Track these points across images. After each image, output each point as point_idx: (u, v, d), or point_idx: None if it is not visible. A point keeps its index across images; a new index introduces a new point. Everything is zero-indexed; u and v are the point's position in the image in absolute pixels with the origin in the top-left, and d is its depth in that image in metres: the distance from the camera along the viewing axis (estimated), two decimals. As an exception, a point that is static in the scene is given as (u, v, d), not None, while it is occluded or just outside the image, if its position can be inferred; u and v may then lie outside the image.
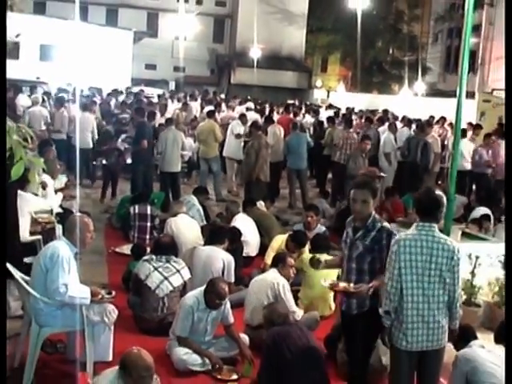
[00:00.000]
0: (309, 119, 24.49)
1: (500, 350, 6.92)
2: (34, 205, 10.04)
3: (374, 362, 7.54)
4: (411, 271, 6.07)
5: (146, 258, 9.10)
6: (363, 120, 23.23)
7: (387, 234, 6.51)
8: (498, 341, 7.48)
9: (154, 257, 9.02)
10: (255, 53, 50.71)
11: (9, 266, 8.17)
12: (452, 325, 6.26)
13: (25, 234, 9.69)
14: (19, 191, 9.74)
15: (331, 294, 9.61)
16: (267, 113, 22.27)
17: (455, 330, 6.34)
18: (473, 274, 9.62)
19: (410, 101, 39.04)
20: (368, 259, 6.51)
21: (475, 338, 7.19)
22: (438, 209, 6.33)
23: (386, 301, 6.13)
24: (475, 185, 18.32)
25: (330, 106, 32.78)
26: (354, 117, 25.94)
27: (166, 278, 8.74)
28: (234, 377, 7.57)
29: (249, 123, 19.39)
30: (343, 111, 29.77)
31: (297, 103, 33.58)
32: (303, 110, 28.02)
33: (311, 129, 23.02)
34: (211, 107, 22.85)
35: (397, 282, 6.06)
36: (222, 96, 34.81)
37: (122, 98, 27.49)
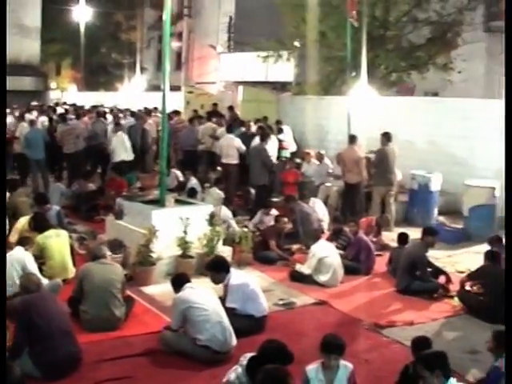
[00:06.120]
0: (44, 118, 23.14)
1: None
2: None
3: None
4: None
5: None
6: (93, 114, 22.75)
7: None
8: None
9: None
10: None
11: None
12: None
13: None
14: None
15: (70, 261, 9.44)
16: (18, 114, 21.42)
17: None
18: (185, 232, 9.79)
19: (132, 96, 39.06)
20: None
21: (189, 281, 7.42)
22: None
23: None
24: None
25: (64, 104, 32.69)
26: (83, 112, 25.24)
27: None
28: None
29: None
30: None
31: (35, 104, 32.44)
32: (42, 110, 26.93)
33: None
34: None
35: None
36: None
37: None
